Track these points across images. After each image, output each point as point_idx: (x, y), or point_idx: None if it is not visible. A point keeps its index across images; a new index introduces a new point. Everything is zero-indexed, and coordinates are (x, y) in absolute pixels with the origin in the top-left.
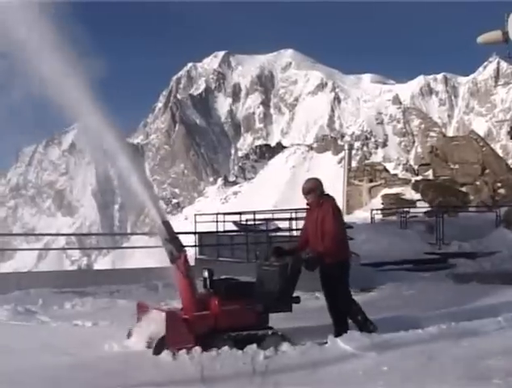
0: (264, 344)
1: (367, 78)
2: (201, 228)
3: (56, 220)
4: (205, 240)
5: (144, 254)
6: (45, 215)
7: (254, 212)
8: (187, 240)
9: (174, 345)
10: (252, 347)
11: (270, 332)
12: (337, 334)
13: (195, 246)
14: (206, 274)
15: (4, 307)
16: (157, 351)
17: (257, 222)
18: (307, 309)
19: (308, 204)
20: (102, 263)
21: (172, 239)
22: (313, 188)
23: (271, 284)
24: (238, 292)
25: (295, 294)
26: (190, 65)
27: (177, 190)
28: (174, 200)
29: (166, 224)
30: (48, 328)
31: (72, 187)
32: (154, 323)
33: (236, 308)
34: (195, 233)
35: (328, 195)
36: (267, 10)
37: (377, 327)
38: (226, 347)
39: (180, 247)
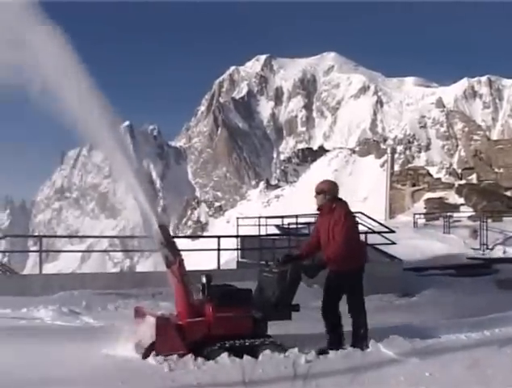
0: (259, 354)
1: (409, 80)
2: (243, 231)
3: (99, 222)
4: (247, 243)
5: (186, 256)
6: (89, 217)
7: (297, 216)
8: (229, 243)
9: (164, 351)
10: (294, 351)
11: (266, 341)
12: (330, 344)
13: (237, 249)
14: (204, 279)
15: (49, 308)
16: (145, 356)
17: (299, 226)
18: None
19: (318, 209)
20: (145, 265)
21: (168, 244)
22: (325, 190)
23: (270, 292)
24: (235, 299)
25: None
26: (232, 68)
27: (219, 193)
28: (217, 204)
29: (163, 228)
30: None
31: (115, 190)
32: (147, 328)
33: (231, 315)
34: (237, 236)
35: (341, 199)
36: (310, 12)
37: (368, 346)
38: (268, 351)
39: (176, 252)
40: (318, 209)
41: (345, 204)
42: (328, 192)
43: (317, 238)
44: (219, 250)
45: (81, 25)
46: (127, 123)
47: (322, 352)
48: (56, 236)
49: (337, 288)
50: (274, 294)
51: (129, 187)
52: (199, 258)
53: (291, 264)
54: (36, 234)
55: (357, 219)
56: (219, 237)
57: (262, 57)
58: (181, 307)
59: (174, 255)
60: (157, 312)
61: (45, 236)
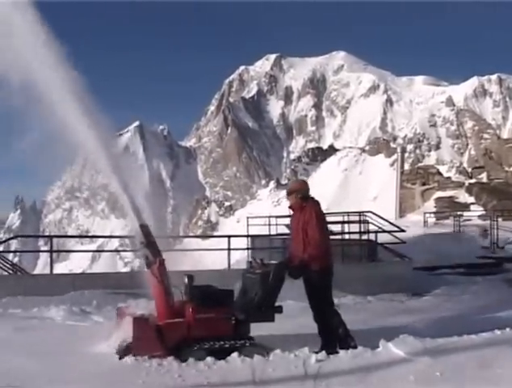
0: (241, 356)
1: (419, 79)
2: (253, 231)
3: (109, 222)
4: (257, 243)
5: (196, 256)
6: (99, 217)
7: None
8: (240, 243)
9: (141, 352)
10: (304, 351)
11: (247, 343)
12: (324, 345)
13: (248, 249)
14: (185, 280)
15: (60, 307)
16: (122, 356)
17: None
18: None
19: (290, 207)
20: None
21: (148, 244)
22: (295, 190)
23: (253, 293)
24: (215, 300)
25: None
26: (242, 68)
27: (229, 193)
28: (227, 203)
29: (144, 227)
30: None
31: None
32: (126, 328)
33: (211, 316)
34: (247, 236)
35: (313, 198)
36: (319, 11)
37: (357, 345)
38: (278, 351)
39: (156, 252)
40: (290, 208)
41: (316, 202)
42: (298, 192)
43: (297, 239)
44: (229, 249)
45: (89, 24)
46: (137, 123)
47: (332, 351)
48: (66, 236)
49: (325, 286)
50: (257, 295)
51: (112, 186)
52: (209, 258)
53: (274, 265)
54: (47, 234)
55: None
56: (229, 236)
57: (272, 57)
58: (160, 308)
59: (154, 255)
60: (136, 312)
61: (56, 236)
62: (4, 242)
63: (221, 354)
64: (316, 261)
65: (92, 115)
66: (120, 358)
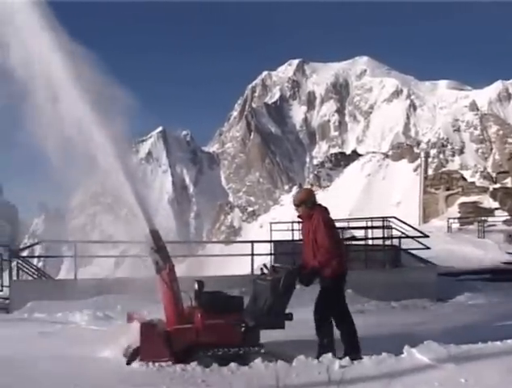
0: (249, 363)
1: (442, 84)
2: (276, 236)
3: (132, 227)
4: (280, 248)
5: (220, 261)
6: (122, 222)
7: None
8: (263, 248)
9: (149, 357)
10: (327, 357)
11: (255, 350)
12: (347, 351)
13: (271, 254)
14: (196, 286)
15: (84, 312)
16: (129, 361)
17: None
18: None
19: (299, 217)
20: (178, 269)
21: (158, 249)
22: (304, 200)
23: (263, 300)
24: (225, 306)
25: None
26: (264, 73)
27: (252, 198)
28: (250, 208)
29: (154, 233)
30: None
31: (148, 195)
32: (134, 334)
33: (220, 323)
34: (270, 241)
35: (320, 205)
36: (342, 16)
37: (362, 357)
38: (302, 357)
39: (166, 258)
40: (299, 217)
41: (323, 209)
42: (305, 202)
43: (309, 248)
44: (252, 255)
45: (112, 24)
46: (160, 128)
47: (356, 357)
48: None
49: (339, 292)
50: (267, 302)
51: (122, 192)
52: (233, 263)
53: (284, 272)
54: (71, 239)
55: (391, 223)
56: (252, 242)
57: (295, 62)
58: (169, 313)
59: (164, 261)
60: (145, 317)
61: (80, 241)
62: (29, 247)
63: (227, 361)
64: (329, 267)
65: (106, 122)
66: (128, 363)
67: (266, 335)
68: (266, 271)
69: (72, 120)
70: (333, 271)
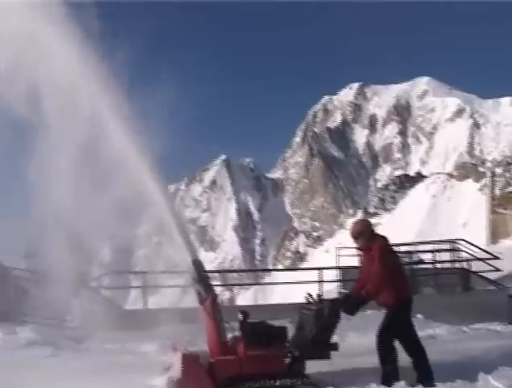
0: None
1: (506, 101)
2: (343, 261)
3: (199, 255)
4: (348, 275)
5: (286, 287)
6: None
7: (397, 245)
8: (329, 273)
9: None
10: (400, 385)
11: (299, 381)
12: (420, 378)
13: (339, 281)
14: (240, 316)
15: (153, 342)
16: None
17: (399, 254)
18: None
19: (358, 249)
20: (245, 297)
21: (201, 280)
22: (362, 231)
23: (308, 329)
24: (268, 336)
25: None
26: (325, 98)
27: (317, 223)
28: (315, 234)
29: (196, 263)
30: None
31: (213, 223)
32: (176, 365)
33: (263, 354)
34: (337, 268)
35: (379, 235)
36: (400, 38)
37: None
38: (374, 385)
39: (208, 288)
40: (358, 249)
41: (381, 239)
42: (365, 232)
43: (364, 278)
44: (320, 282)
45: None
46: (223, 157)
47: (429, 385)
48: (157, 272)
49: (404, 319)
50: (311, 332)
51: (164, 222)
52: (300, 289)
53: (329, 301)
54: (137, 268)
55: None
56: (320, 269)
57: (355, 85)
58: (212, 344)
59: (206, 291)
60: (189, 349)
61: (148, 272)
62: (98, 277)
63: None
64: (375, 296)
65: (148, 158)
66: None
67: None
68: (311, 300)
69: (133, 170)
70: (397, 297)
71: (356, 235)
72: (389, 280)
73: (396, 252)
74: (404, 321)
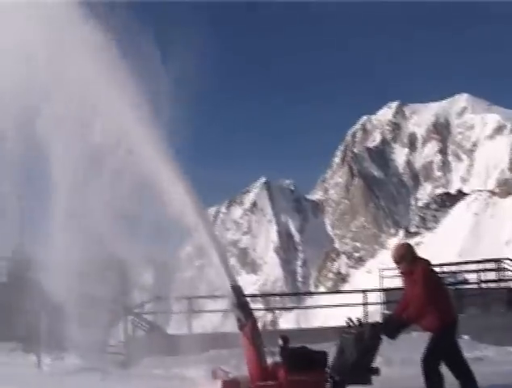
0: None
1: None
2: (386, 282)
3: (240, 278)
4: (392, 296)
5: (328, 310)
6: None
7: (441, 265)
8: (373, 296)
9: None
10: None
11: None
12: None
13: (382, 303)
14: (280, 342)
15: (199, 367)
16: None
17: (443, 274)
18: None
19: (401, 273)
20: (287, 319)
21: (240, 305)
22: (404, 255)
23: (348, 354)
24: (309, 361)
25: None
26: (364, 118)
27: (358, 243)
28: (356, 254)
29: (236, 288)
30: None
31: (254, 245)
32: None
33: (304, 379)
34: (381, 290)
35: (421, 258)
36: (438, 56)
37: None
38: None
39: (248, 314)
40: (401, 273)
41: (422, 262)
42: (406, 256)
43: (406, 302)
44: (365, 304)
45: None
46: (263, 179)
47: None
48: (200, 297)
49: (449, 343)
50: (352, 356)
51: (203, 248)
52: (343, 311)
53: (369, 325)
54: (179, 291)
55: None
56: (364, 291)
57: (394, 104)
58: (252, 370)
59: (246, 317)
60: (230, 374)
61: (192, 297)
62: (143, 303)
63: None
64: (416, 320)
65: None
66: None
67: None
68: (351, 324)
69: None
70: (442, 320)
71: (398, 259)
72: (432, 303)
73: (438, 274)
74: (449, 344)
